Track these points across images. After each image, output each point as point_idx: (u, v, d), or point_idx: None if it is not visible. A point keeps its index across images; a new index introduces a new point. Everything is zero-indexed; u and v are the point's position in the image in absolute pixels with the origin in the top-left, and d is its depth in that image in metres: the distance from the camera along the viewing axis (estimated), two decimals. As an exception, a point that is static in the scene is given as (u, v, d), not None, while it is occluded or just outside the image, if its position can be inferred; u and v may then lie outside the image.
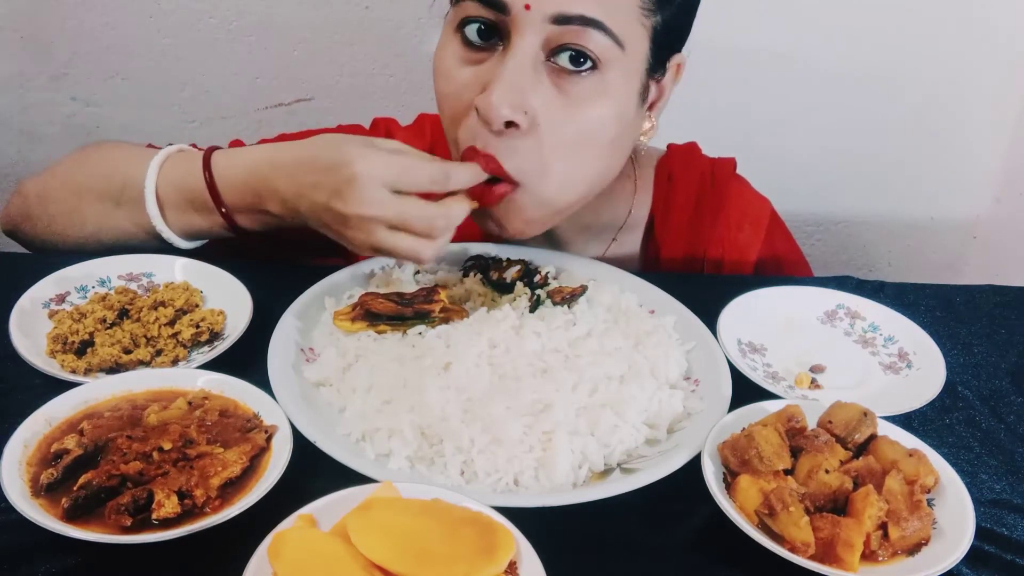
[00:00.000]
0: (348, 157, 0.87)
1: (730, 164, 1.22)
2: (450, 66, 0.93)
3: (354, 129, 1.19)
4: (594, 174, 0.97)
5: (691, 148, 1.22)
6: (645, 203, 1.18)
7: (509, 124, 0.88)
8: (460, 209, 0.89)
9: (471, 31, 0.91)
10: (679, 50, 0.99)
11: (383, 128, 1.19)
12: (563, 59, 0.89)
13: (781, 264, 1.20)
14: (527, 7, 0.86)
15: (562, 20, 0.87)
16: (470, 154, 0.92)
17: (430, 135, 1.18)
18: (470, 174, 0.89)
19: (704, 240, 1.17)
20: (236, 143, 1.14)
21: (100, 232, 1.03)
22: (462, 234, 1.10)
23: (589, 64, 0.89)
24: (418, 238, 0.88)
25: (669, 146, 1.22)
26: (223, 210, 0.97)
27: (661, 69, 0.98)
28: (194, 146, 1.06)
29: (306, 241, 0.98)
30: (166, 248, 1.01)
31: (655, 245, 1.16)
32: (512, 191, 0.93)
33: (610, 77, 0.91)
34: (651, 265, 1.16)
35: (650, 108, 1.00)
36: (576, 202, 0.99)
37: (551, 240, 1.12)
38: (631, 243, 1.17)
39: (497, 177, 0.92)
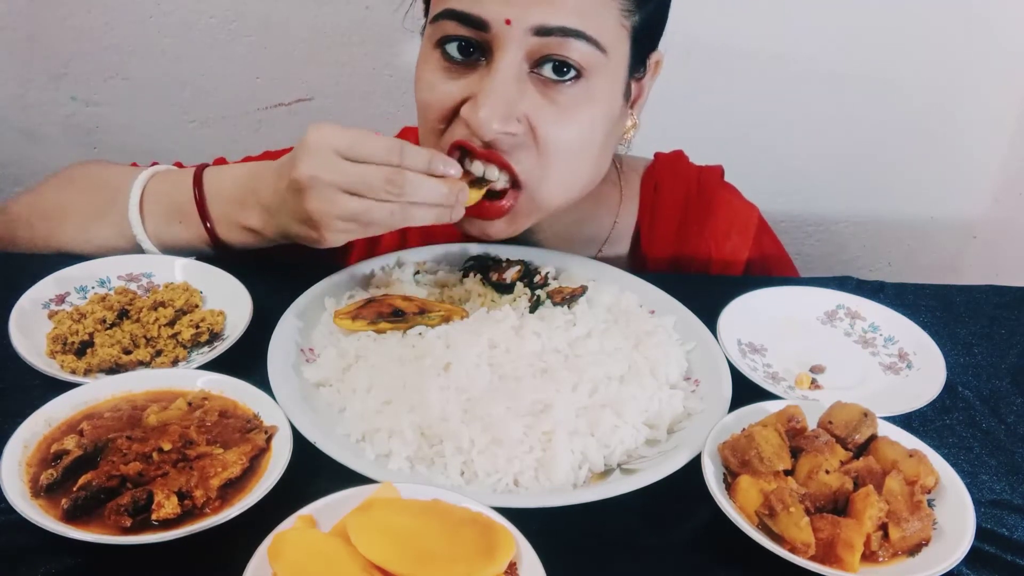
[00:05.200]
0: (304, 135, 0.85)
1: (717, 172, 1.21)
2: (433, 79, 0.93)
3: None
4: (587, 176, 0.99)
5: (678, 157, 1.21)
6: (631, 213, 1.17)
7: (505, 135, 0.89)
8: (419, 180, 0.83)
9: (452, 48, 0.91)
10: (656, 47, 1.00)
11: None
12: (547, 70, 0.90)
13: (769, 266, 1.20)
14: (508, 22, 0.86)
15: (543, 32, 0.87)
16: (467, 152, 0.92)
17: None
18: (427, 155, 0.84)
19: (691, 248, 1.16)
20: (219, 161, 1.14)
21: (75, 248, 1.02)
22: (440, 234, 1.08)
23: (573, 73, 0.90)
24: (379, 201, 0.83)
25: (656, 155, 1.22)
26: (207, 224, 0.97)
27: (641, 67, 0.99)
28: (178, 165, 1.07)
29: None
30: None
31: (642, 254, 1.16)
32: (515, 202, 0.94)
33: (595, 82, 0.91)
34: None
35: (631, 106, 1.01)
36: (565, 204, 0.99)
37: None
38: (618, 253, 1.17)
39: (495, 193, 0.92)
